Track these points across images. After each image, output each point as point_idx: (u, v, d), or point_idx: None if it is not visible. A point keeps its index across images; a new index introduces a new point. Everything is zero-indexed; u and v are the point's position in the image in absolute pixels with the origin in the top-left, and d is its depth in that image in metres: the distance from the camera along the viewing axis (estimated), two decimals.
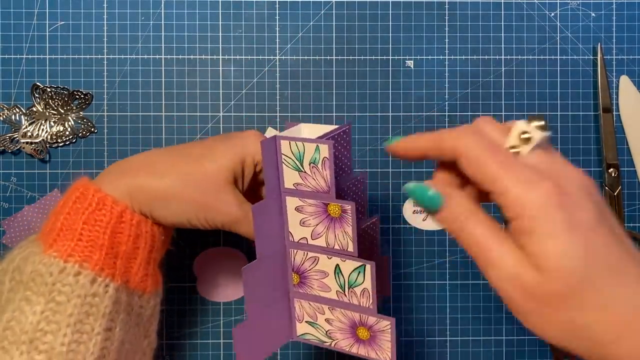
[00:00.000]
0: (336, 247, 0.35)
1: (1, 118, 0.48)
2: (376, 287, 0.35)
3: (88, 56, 0.49)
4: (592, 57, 0.50)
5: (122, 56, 0.49)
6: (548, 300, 0.25)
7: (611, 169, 0.49)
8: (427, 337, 0.50)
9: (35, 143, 0.48)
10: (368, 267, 0.34)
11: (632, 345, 0.25)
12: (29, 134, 0.48)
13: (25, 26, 0.48)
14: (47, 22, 0.48)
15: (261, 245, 0.35)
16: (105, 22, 0.49)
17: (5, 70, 0.48)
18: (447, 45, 0.49)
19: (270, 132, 0.49)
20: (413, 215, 0.49)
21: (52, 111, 0.49)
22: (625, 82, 0.50)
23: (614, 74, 0.50)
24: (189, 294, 0.49)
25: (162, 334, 0.49)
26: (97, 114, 0.49)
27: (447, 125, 0.50)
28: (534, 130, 0.27)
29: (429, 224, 0.49)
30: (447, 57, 0.49)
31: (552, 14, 0.50)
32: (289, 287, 0.38)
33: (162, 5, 0.49)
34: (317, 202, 0.34)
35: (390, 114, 0.49)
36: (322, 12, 0.49)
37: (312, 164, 0.33)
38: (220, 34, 0.49)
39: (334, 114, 0.49)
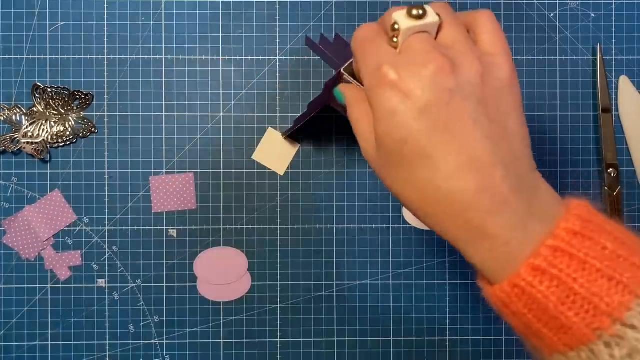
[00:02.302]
0: None
1: (2, 118, 0.48)
2: None
3: (89, 56, 0.49)
4: (591, 57, 0.50)
5: (123, 56, 0.49)
6: (383, 165, 0.29)
7: (610, 169, 0.49)
8: (427, 337, 0.50)
9: (36, 143, 0.48)
10: None
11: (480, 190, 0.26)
12: (30, 134, 0.48)
13: (25, 26, 0.49)
14: (48, 22, 0.49)
15: None
16: (105, 23, 0.49)
17: (6, 70, 0.48)
18: None
19: (270, 132, 0.49)
20: (413, 216, 0.49)
21: (52, 111, 0.49)
22: (624, 82, 0.50)
23: (614, 74, 0.50)
24: (189, 294, 0.49)
25: (162, 334, 0.49)
26: (97, 114, 0.49)
27: None
28: (403, 20, 0.28)
29: None
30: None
31: (552, 14, 0.50)
32: None
33: (163, 5, 0.49)
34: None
35: None
36: (322, 12, 0.49)
37: None
38: (221, 34, 0.49)
39: (334, 114, 0.49)
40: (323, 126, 0.49)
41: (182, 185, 0.49)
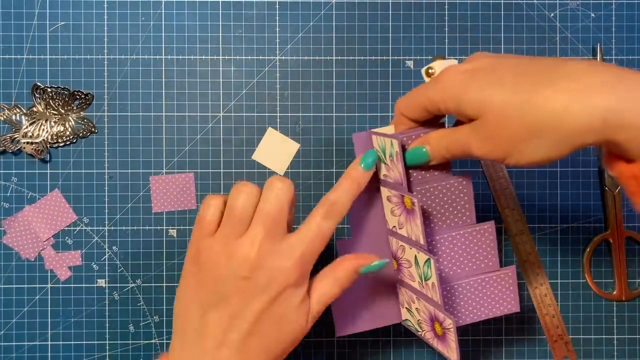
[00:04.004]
0: (412, 238, 0.37)
1: (2, 118, 0.48)
2: (501, 299, 0.39)
3: (89, 56, 0.49)
4: (591, 57, 0.50)
5: (123, 56, 0.49)
6: (500, 132, 0.31)
7: None
8: None
9: (36, 143, 0.48)
10: (432, 261, 0.35)
11: (582, 110, 0.28)
12: (30, 134, 0.48)
13: (25, 26, 0.49)
14: (48, 22, 0.49)
15: (358, 230, 0.40)
16: (105, 23, 0.49)
17: (6, 70, 0.48)
18: (447, 46, 0.49)
19: (270, 132, 0.49)
20: None
21: (52, 111, 0.49)
22: None
23: None
24: None
25: (162, 334, 0.49)
26: (97, 114, 0.49)
27: (446, 125, 0.50)
28: (437, 66, 0.37)
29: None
30: (447, 57, 0.49)
31: (552, 14, 0.50)
32: (393, 275, 0.41)
33: (163, 5, 0.49)
34: (397, 194, 0.37)
35: (390, 114, 0.49)
36: (322, 12, 0.49)
37: (390, 157, 0.36)
38: (221, 34, 0.49)
39: (334, 114, 0.49)
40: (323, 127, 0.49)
41: (182, 185, 0.49)
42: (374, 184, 0.39)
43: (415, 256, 0.37)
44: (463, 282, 0.38)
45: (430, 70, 0.37)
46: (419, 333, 0.41)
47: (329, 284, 0.36)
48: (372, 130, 0.38)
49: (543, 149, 0.30)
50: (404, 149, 0.37)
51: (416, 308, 0.39)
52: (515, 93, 0.30)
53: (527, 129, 0.30)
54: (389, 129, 0.38)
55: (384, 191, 0.39)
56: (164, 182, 0.49)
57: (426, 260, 0.36)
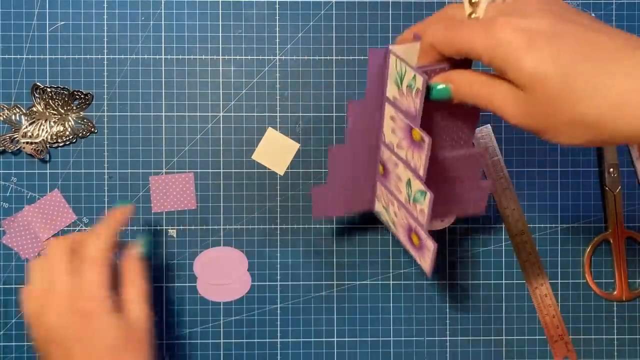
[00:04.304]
0: (412, 165, 0.37)
1: (1, 118, 0.48)
2: (472, 204, 0.42)
3: (88, 56, 0.49)
4: None
5: (122, 56, 0.49)
6: (544, 110, 0.29)
7: (611, 169, 0.49)
8: (427, 337, 0.50)
9: (36, 143, 0.48)
10: (428, 195, 0.36)
11: (634, 116, 0.27)
12: (29, 134, 0.48)
13: (25, 26, 0.49)
14: (47, 22, 0.49)
15: (354, 137, 0.41)
16: (105, 22, 0.49)
17: (6, 70, 0.48)
18: None
19: (270, 132, 0.49)
20: None
21: (52, 111, 0.49)
22: None
23: None
24: (189, 294, 0.49)
25: (162, 334, 0.49)
26: (97, 114, 0.49)
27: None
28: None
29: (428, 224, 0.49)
30: None
31: None
32: (375, 174, 0.43)
33: (162, 5, 0.49)
34: (405, 121, 0.37)
35: None
36: (322, 12, 0.49)
37: (408, 87, 0.35)
38: (220, 34, 0.49)
39: (334, 114, 0.49)
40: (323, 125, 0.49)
41: (182, 185, 0.49)
42: (379, 96, 0.39)
43: (410, 179, 0.38)
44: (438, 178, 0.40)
45: (473, 0, 0.32)
46: (391, 229, 0.44)
47: None
48: (392, 48, 0.36)
49: (587, 137, 0.29)
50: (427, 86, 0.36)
51: (394, 212, 0.42)
52: (575, 79, 0.28)
53: (578, 118, 0.28)
54: (412, 49, 0.36)
55: (389, 110, 0.38)
56: (164, 182, 0.49)
57: (422, 191, 0.37)
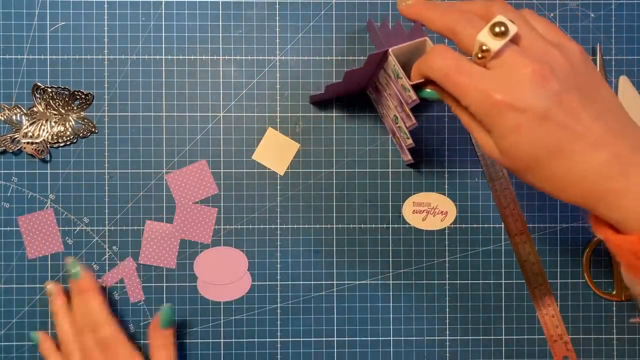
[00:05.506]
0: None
1: (2, 118, 0.48)
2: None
3: (89, 56, 0.49)
4: (591, 57, 0.50)
5: (123, 56, 0.49)
6: (517, 171, 0.32)
7: None
8: (427, 336, 0.50)
9: (36, 143, 0.48)
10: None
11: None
12: (30, 134, 0.48)
13: (26, 27, 0.49)
14: (48, 22, 0.49)
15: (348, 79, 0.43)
16: (105, 23, 0.49)
17: (6, 70, 0.48)
18: (445, 43, 0.49)
19: (270, 132, 0.49)
20: (413, 215, 0.49)
21: (53, 111, 0.49)
22: (624, 82, 0.50)
23: (613, 74, 0.50)
24: (189, 294, 0.49)
25: None
26: (97, 114, 0.49)
27: (446, 125, 0.50)
28: (490, 42, 0.30)
29: (428, 224, 0.50)
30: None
31: (552, 15, 0.50)
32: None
33: (163, 5, 0.49)
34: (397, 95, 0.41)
35: None
36: (322, 12, 0.49)
37: (405, 90, 0.38)
38: (221, 34, 0.49)
39: (334, 114, 0.49)
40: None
41: (199, 173, 0.49)
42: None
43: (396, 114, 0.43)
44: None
45: (484, 48, 0.30)
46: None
47: None
48: (391, 51, 0.38)
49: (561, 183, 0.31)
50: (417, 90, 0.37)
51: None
52: (542, 169, 0.31)
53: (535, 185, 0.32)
54: (411, 47, 0.38)
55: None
56: (181, 176, 0.49)
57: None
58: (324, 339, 0.49)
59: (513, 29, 0.30)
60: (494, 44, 0.30)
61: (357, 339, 0.49)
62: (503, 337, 0.50)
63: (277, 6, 0.49)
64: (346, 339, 0.49)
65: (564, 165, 0.30)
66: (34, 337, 0.47)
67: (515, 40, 0.31)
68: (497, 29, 0.30)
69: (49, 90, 0.48)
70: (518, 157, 0.31)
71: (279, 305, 0.49)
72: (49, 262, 0.49)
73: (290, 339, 0.49)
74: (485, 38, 0.30)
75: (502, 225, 0.50)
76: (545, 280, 0.50)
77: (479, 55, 0.30)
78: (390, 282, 0.50)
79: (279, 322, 0.49)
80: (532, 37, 0.31)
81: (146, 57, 0.49)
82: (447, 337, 0.50)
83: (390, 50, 0.38)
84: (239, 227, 0.49)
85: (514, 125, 0.30)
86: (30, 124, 0.48)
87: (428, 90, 0.36)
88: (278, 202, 0.49)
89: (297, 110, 0.49)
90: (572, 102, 0.29)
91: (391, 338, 0.50)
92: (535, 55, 0.30)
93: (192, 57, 0.49)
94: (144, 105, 0.49)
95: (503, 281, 0.50)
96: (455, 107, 0.34)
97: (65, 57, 0.49)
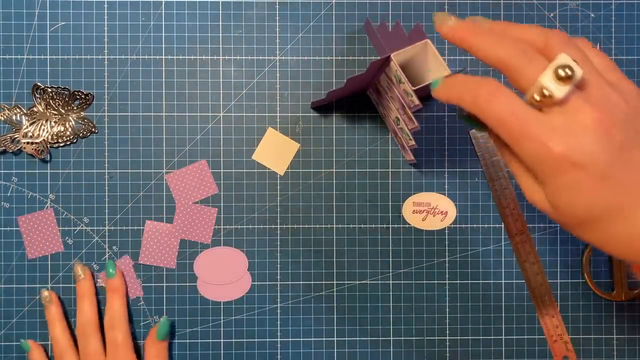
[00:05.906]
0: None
1: (2, 118, 0.48)
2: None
3: (89, 56, 0.49)
4: None
5: (123, 56, 0.49)
6: (568, 226, 0.29)
7: None
8: (426, 337, 0.50)
9: (36, 143, 0.48)
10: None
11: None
12: (30, 134, 0.48)
13: (26, 27, 0.49)
14: (48, 22, 0.49)
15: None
16: (105, 23, 0.49)
17: (6, 70, 0.48)
18: (446, 45, 0.49)
19: (270, 132, 0.49)
20: (413, 215, 0.49)
21: (53, 111, 0.49)
22: None
23: None
24: (189, 294, 0.49)
25: None
26: (97, 114, 0.49)
27: (446, 125, 0.50)
28: (554, 87, 0.27)
29: (428, 224, 0.50)
30: (446, 57, 0.50)
31: (552, 15, 0.50)
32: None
33: (163, 5, 0.49)
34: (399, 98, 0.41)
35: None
36: (322, 12, 0.49)
37: (409, 97, 0.39)
38: (221, 34, 0.49)
39: (334, 114, 0.49)
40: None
41: (199, 173, 0.49)
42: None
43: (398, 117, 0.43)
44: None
45: (545, 93, 0.27)
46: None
47: None
48: (393, 57, 0.38)
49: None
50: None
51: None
52: (596, 228, 0.28)
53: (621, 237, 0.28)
54: (414, 49, 0.38)
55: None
56: (181, 176, 0.49)
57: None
58: (324, 339, 0.49)
59: (579, 73, 0.27)
60: (559, 91, 0.27)
61: (357, 339, 0.49)
62: (503, 337, 0.50)
63: (277, 6, 0.49)
64: (346, 339, 0.49)
65: (621, 225, 0.27)
66: (24, 345, 0.47)
67: (578, 85, 0.27)
68: (561, 72, 0.26)
69: (49, 90, 0.48)
70: (573, 214, 0.28)
71: (279, 305, 0.49)
72: (49, 262, 0.49)
73: (290, 339, 0.49)
74: (549, 82, 0.27)
75: (502, 225, 0.50)
76: (545, 280, 0.50)
77: (538, 99, 0.27)
78: (390, 282, 0.50)
79: (278, 322, 0.49)
80: (595, 81, 0.28)
81: (146, 57, 0.49)
82: (447, 337, 0.50)
83: (392, 55, 0.38)
84: (238, 227, 0.49)
85: (573, 183, 0.27)
86: (30, 124, 0.48)
87: (473, 121, 0.31)
88: (278, 202, 0.49)
89: (297, 110, 0.49)
90: (635, 155, 0.27)
91: (391, 338, 0.50)
92: (597, 101, 0.27)
93: (192, 57, 0.49)
94: (144, 105, 0.49)
95: (503, 281, 0.50)
96: (503, 152, 0.30)
97: (65, 57, 0.49)
